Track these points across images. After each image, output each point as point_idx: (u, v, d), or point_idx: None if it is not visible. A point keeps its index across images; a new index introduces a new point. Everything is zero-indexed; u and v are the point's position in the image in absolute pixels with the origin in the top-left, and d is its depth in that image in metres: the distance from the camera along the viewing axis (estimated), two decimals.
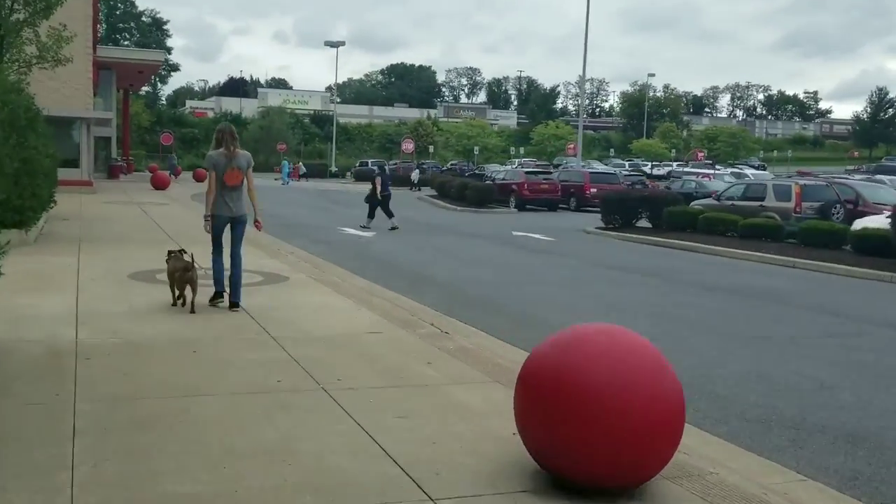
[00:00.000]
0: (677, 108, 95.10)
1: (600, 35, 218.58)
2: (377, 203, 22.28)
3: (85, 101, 29.73)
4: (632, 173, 51.45)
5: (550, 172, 34.96)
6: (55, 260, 11.90)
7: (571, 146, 44.88)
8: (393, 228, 21.44)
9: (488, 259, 16.42)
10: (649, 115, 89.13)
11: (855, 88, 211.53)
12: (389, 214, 22.09)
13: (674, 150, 70.83)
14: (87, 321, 7.79)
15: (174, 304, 8.65)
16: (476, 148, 60.65)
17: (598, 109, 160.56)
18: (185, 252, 8.75)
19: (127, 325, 7.73)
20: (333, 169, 66.04)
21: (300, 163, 63.85)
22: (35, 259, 11.84)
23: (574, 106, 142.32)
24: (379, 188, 22.39)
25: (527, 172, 34.26)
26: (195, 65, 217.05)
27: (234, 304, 8.63)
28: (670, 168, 61.77)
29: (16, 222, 13.14)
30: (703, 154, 51.82)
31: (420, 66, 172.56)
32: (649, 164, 67.57)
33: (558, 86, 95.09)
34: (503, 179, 34.95)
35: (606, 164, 65.03)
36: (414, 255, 16.53)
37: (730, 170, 46.95)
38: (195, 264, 8.54)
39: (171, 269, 8.67)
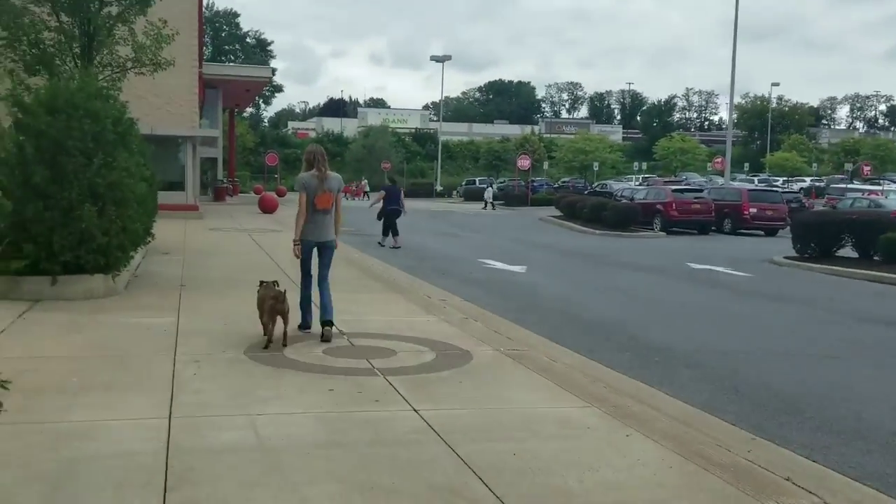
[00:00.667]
0: (803, 120, 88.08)
1: (701, 46, 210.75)
2: (389, 218, 20.90)
3: (191, 118, 27.29)
4: (767, 189, 46.45)
5: (701, 190, 30.57)
6: (144, 322, 8.63)
7: (719, 160, 40.20)
8: (391, 247, 20.10)
9: (699, 309, 12.49)
10: (771, 128, 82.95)
11: None
12: (393, 232, 20.66)
13: (814, 164, 64.54)
14: (183, 475, 4.32)
15: (265, 347, 7.55)
16: (595, 164, 56.38)
17: (707, 123, 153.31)
18: (277, 283, 8.00)
19: (255, 477, 4.23)
20: (439, 188, 62.94)
21: (364, 180, 60.39)
22: (117, 321, 8.61)
23: (684, 118, 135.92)
24: (382, 203, 21.13)
25: (674, 191, 29.98)
26: (295, 87, 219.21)
27: (326, 323, 8.03)
28: (805, 184, 56.05)
29: (100, 265, 10.04)
30: (869, 168, 46.07)
31: (519, 82, 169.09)
32: (780, 179, 61.78)
33: (675, 96, 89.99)
34: (644, 199, 30.74)
35: (733, 181, 59.65)
36: (601, 302, 12.71)
37: (893, 185, 41.37)
38: (284, 295, 7.73)
39: (260, 298, 7.88)
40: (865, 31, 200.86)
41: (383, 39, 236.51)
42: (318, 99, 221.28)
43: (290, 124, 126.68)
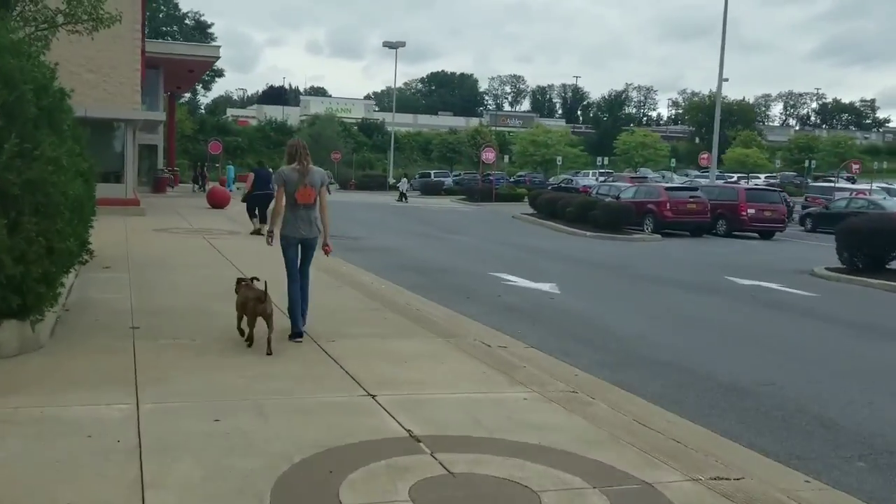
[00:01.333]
0: (749, 116, 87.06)
1: (633, 43, 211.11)
2: (252, 202, 19.69)
3: (132, 99, 23.33)
4: (765, 189, 44.54)
5: (696, 189, 27.94)
6: (81, 417, 5.13)
7: (705, 156, 37.78)
8: (255, 232, 18.70)
9: (823, 350, 9.56)
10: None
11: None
12: (260, 218, 19.27)
13: (777, 161, 62.89)
14: None
15: (242, 336, 7.15)
16: (558, 158, 53.65)
17: (645, 119, 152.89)
18: (258, 280, 7.42)
19: None
20: (392, 180, 59.46)
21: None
22: (32, 417, 5.12)
23: (624, 114, 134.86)
24: (250, 186, 19.89)
25: (668, 189, 27.25)
26: (231, 75, 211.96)
27: (295, 335, 7.60)
28: (759, 181, 54.44)
29: (11, 308, 6.52)
30: (858, 166, 44.06)
31: (462, 74, 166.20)
32: (734, 176, 60.11)
33: (624, 91, 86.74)
34: (633, 198, 27.94)
35: (685, 177, 57.73)
36: (691, 341, 9.68)
37: (874, 184, 39.51)
38: (267, 295, 7.01)
39: (240, 300, 7.28)
40: (793, 31, 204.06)
41: (321, 29, 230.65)
42: (255, 87, 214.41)
43: (229, 111, 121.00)
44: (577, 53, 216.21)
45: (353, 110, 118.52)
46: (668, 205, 26.29)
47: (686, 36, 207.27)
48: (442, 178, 58.43)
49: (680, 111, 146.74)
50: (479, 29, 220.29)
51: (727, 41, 36.40)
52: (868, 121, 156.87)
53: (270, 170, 20.12)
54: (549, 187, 48.44)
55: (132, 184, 25.14)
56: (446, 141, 71.02)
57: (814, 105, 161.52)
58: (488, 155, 42.36)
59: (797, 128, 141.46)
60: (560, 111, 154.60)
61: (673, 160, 71.43)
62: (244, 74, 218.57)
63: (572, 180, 47.40)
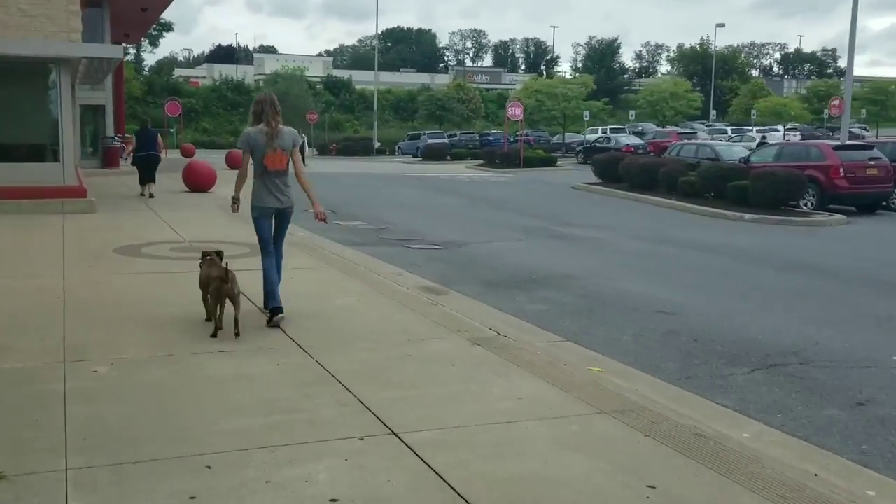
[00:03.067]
0: (745, 64, 79.30)
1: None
2: (141, 163, 18.04)
3: (66, 25, 14.11)
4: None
5: (871, 147, 19.96)
6: None
7: (836, 102, 30.03)
8: (143, 195, 17.45)
9: None
10: (707, 74, 74.22)
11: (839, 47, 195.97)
12: (150, 178, 17.85)
13: (826, 112, 55.17)
14: None
15: (209, 320, 6.26)
16: (586, 113, 45.13)
17: (642, 71, 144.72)
18: (221, 255, 6.49)
19: None
20: (377, 144, 50.50)
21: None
22: None
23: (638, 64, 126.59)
24: (132, 147, 19.31)
25: (836, 148, 19.18)
26: (171, 36, 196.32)
27: (276, 310, 6.49)
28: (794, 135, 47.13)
29: None
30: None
31: (419, 30, 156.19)
32: (749, 128, 52.55)
33: (617, 38, 77.24)
34: (777, 160, 19.82)
35: (707, 131, 50.00)
36: None
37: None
38: (231, 273, 6.02)
39: (202, 277, 6.34)
40: None
41: None
42: (200, 48, 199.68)
43: (178, 72, 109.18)
44: (522, 9, 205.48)
45: (310, 68, 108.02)
46: (840, 170, 18.30)
47: None
48: (437, 140, 49.71)
49: (645, 64, 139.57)
50: None
51: None
52: (829, 70, 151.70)
53: (156, 131, 19.64)
54: (581, 147, 40.24)
55: (73, 161, 16.15)
56: (434, 98, 61.88)
57: (776, 56, 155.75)
58: (515, 111, 33.87)
59: (761, 78, 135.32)
60: (523, 66, 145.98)
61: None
62: (185, 36, 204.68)
63: (611, 139, 39.07)
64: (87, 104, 27.87)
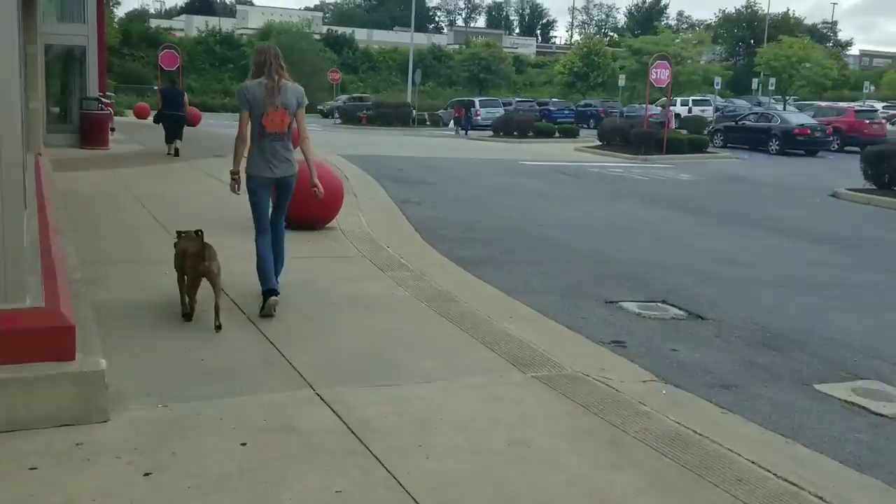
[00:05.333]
0: (794, 29, 69.34)
1: None
2: (169, 122, 16.47)
3: None
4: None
5: None
6: None
7: None
8: (171, 154, 16.06)
9: None
10: (754, 41, 64.45)
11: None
12: (177, 136, 16.44)
13: None
14: None
15: (184, 315, 5.13)
16: (717, 80, 34.13)
17: (607, 38, 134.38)
18: (201, 233, 5.05)
19: None
20: (415, 112, 39.96)
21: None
22: None
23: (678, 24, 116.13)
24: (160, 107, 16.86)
25: None
26: None
27: (269, 293, 5.31)
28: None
29: None
30: None
31: None
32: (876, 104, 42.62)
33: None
34: None
35: (771, 106, 40.39)
36: None
37: None
38: (210, 249, 4.97)
39: (177, 256, 5.16)
40: None
41: None
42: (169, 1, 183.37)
43: (153, 23, 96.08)
44: None
45: (299, 23, 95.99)
46: None
47: None
48: (492, 108, 39.41)
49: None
50: None
51: None
52: (829, 44, 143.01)
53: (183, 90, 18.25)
54: (719, 124, 30.25)
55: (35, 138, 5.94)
56: (476, 57, 50.99)
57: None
58: (661, 74, 23.78)
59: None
60: (518, 29, 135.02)
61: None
62: None
63: (772, 116, 28.65)
64: (57, 44, 17.20)
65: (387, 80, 72.14)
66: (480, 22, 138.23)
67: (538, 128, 30.64)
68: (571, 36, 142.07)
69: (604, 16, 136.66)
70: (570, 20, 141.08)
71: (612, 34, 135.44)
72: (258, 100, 5.24)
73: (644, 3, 68.42)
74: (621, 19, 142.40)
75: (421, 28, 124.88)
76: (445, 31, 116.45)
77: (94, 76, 17.52)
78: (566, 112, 40.48)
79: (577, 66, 47.48)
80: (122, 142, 19.12)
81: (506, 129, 30.84)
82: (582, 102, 44.02)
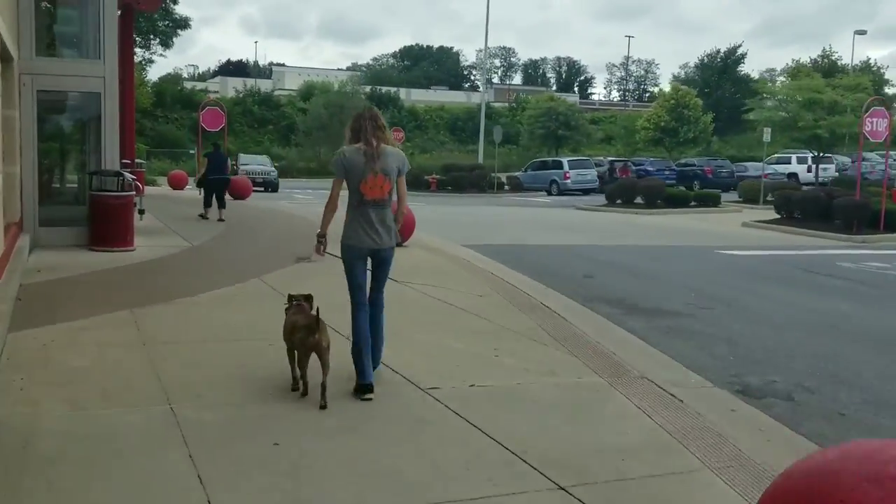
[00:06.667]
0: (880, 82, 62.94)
1: (570, 22, 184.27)
2: (212, 187, 15.78)
3: None
4: None
5: None
6: None
7: None
8: (217, 220, 15.13)
9: None
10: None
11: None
12: (219, 204, 15.53)
13: None
14: None
15: (295, 389, 4.84)
16: (766, 131, 27.77)
17: (647, 95, 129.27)
18: (311, 300, 5.00)
19: None
20: (495, 175, 33.69)
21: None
22: None
23: (623, 88, 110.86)
24: (204, 170, 16.29)
25: None
26: (165, 60, 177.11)
27: (362, 388, 4.83)
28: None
29: None
30: None
31: (441, 48, 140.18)
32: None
33: (738, 45, 60.19)
34: None
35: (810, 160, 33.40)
36: None
37: None
38: (320, 322, 4.63)
39: (287, 328, 4.86)
40: (731, 12, 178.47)
41: (254, 7, 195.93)
42: (203, 65, 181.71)
43: (187, 85, 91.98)
44: (513, 30, 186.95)
45: (336, 85, 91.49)
46: None
47: (623, 16, 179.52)
48: (583, 170, 33.16)
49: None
50: (414, 6, 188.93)
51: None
52: None
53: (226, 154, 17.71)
54: None
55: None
56: (554, 111, 44.94)
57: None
58: (878, 122, 17.31)
59: None
60: (555, 86, 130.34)
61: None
62: (180, 55, 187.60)
63: None
64: (58, 89, 11.12)
65: (434, 139, 66.78)
66: (517, 80, 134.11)
67: (670, 195, 24.12)
68: (610, 92, 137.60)
69: (643, 71, 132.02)
70: (608, 77, 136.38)
71: (652, 89, 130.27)
72: (357, 167, 4.88)
73: (718, 52, 62.43)
74: (660, 75, 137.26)
75: (456, 87, 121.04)
76: (481, 88, 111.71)
77: (114, 137, 11.33)
78: (666, 172, 34.06)
79: (665, 120, 41.21)
80: (153, 233, 12.88)
81: (625, 195, 24.36)
82: (681, 161, 37.60)
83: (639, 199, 24.31)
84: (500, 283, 9.47)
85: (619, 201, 24.66)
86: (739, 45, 62.87)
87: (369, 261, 5.09)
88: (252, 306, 7.50)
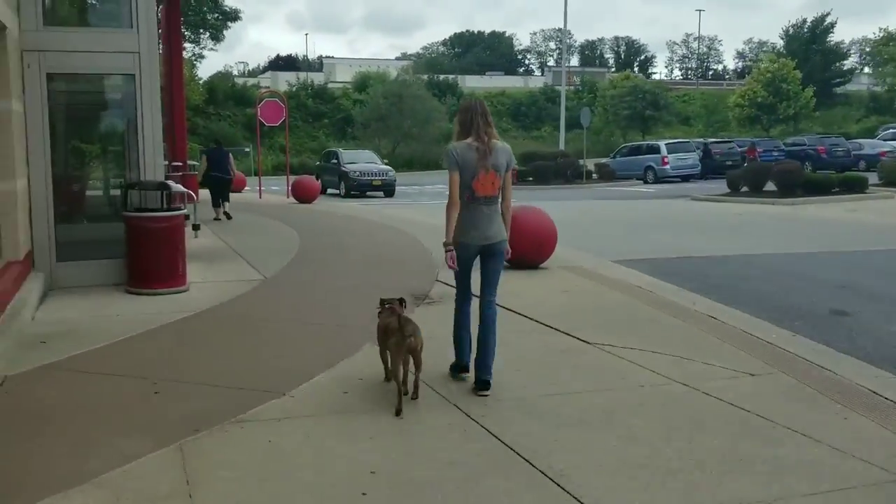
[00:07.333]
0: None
1: (616, 2, 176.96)
2: (215, 185, 15.45)
3: None
4: None
5: None
6: None
7: None
8: (219, 219, 14.92)
9: None
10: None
11: None
12: (223, 199, 15.46)
13: None
14: None
15: (388, 379, 4.89)
16: None
17: (710, 72, 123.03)
18: (404, 303, 4.99)
19: None
20: (583, 163, 30.06)
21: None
22: None
23: (684, 66, 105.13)
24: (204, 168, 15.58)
25: None
26: (213, 57, 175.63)
27: (482, 384, 4.77)
28: None
29: None
30: None
31: (492, 33, 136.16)
32: None
33: (827, 14, 55.43)
34: None
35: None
36: None
37: None
38: (411, 323, 4.66)
39: (381, 329, 4.87)
40: None
41: (300, 3, 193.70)
42: (250, 62, 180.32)
43: (237, 81, 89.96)
44: (561, 12, 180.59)
45: (387, 74, 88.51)
46: None
47: None
48: (683, 154, 29.35)
49: (749, 63, 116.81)
50: None
51: None
52: None
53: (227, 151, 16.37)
54: None
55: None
56: (639, 89, 40.99)
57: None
58: None
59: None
60: (614, 67, 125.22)
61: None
62: (229, 52, 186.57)
63: None
64: (75, 72, 8.03)
65: (497, 126, 62.78)
66: (573, 62, 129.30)
67: (809, 180, 20.20)
68: (671, 71, 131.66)
69: (705, 48, 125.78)
70: (670, 55, 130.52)
71: (715, 67, 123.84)
72: (469, 163, 4.69)
73: (804, 21, 56.87)
74: (723, 51, 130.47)
75: (511, 72, 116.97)
76: (536, 73, 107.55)
77: (155, 136, 8.23)
78: (775, 153, 29.99)
79: (762, 96, 36.93)
80: (211, 257, 9.80)
81: (754, 182, 20.55)
82: (789, 140, 33.38)
83: (769, 187, 20.50)
84: (749, 340, 6.05)
85: (744, 188, 20.87)
86: (828, 14, 57.28)
87: (479, 257, 4.87)
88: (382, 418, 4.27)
